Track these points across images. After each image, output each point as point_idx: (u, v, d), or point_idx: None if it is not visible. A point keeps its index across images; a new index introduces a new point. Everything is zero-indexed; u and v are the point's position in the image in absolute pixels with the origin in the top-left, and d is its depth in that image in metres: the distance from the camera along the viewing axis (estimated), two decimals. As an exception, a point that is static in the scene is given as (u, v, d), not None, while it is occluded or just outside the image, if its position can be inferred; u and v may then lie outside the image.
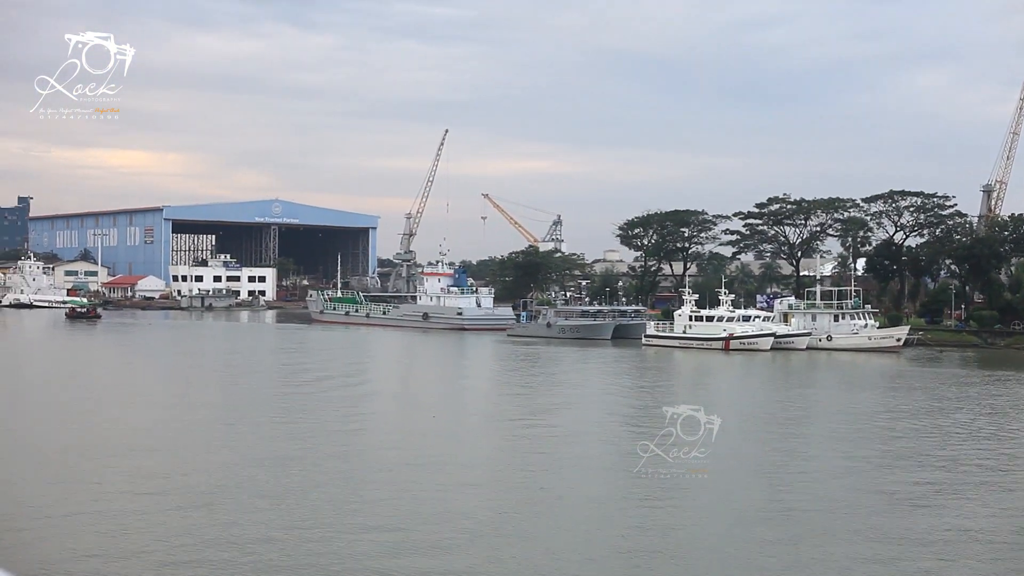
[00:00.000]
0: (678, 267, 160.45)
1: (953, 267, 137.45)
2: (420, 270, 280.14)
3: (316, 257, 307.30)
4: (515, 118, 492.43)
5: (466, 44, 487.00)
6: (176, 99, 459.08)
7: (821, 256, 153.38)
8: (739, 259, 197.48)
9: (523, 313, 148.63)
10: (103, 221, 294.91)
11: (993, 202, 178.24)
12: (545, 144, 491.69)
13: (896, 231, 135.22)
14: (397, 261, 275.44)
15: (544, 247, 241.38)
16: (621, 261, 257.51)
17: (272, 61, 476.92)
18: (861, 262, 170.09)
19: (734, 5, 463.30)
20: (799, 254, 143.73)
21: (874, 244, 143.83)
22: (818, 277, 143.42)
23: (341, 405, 59.71)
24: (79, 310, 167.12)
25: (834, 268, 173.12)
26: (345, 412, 56.35)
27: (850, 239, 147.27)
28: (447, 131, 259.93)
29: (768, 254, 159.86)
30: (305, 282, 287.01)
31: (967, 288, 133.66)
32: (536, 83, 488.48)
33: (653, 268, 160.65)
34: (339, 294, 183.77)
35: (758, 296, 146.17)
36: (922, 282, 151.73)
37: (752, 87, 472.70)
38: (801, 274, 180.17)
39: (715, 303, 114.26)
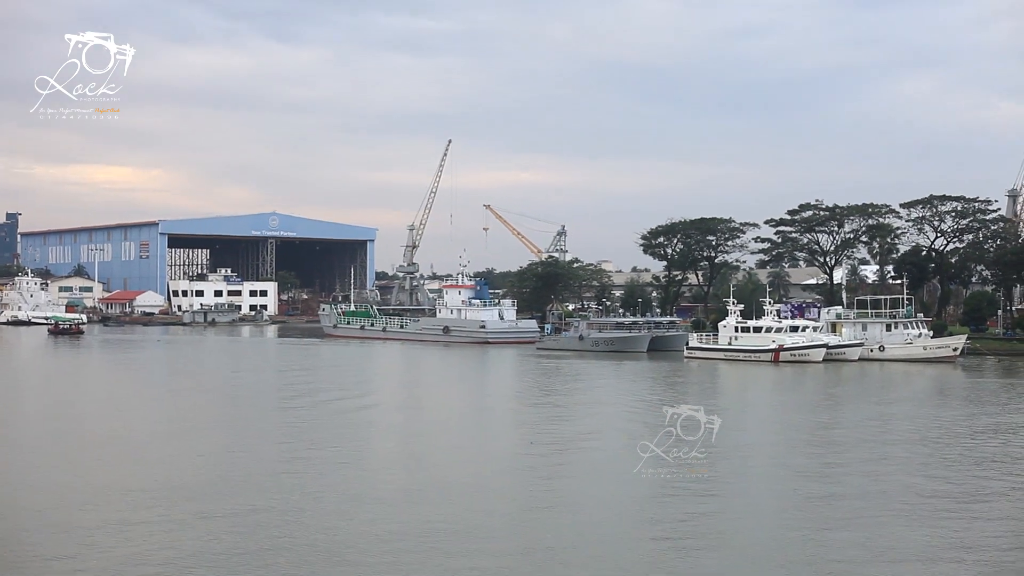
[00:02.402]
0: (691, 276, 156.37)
1: (986, 273, 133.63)
2: (424, 282, 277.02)
3: (313, 271, 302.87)
4: (506, 130, 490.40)
5: (455, 57, 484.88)
6: (160, 115, 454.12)
7: (851, 261, 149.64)
8: (747, 268, 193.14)
9: (548, 326, 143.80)
10: (97, 236, 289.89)
11: (1019, 207, 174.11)
12: (537, 155, 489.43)
13: (937, 237, 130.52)
14: (400, 274, 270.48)
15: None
16: (620, 272, 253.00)
17: (258, 76, 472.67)
18: (873, 268, 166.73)
19: (720, 15, 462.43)
20: (832, 262, 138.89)
21: (902, 250, 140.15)
22: (844, 284, 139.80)
23: (416, 434, 55.47)
24: (62, 326, 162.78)
25: (846, 275, 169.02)
26: (424, 442, 52.03)
27: (876, 245, 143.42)
28: (450, 141, 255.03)
29: (807, 262, 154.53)
30: (304, 296, 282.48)
31: (1006, 294, 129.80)
32: (526, 95, 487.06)
33: (678, 278, 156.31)
34: (351, 307, 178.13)
35: (780, 305, 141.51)
36: (951, 289, 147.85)
37: (742, 96, 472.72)
38: (809, 282, 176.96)
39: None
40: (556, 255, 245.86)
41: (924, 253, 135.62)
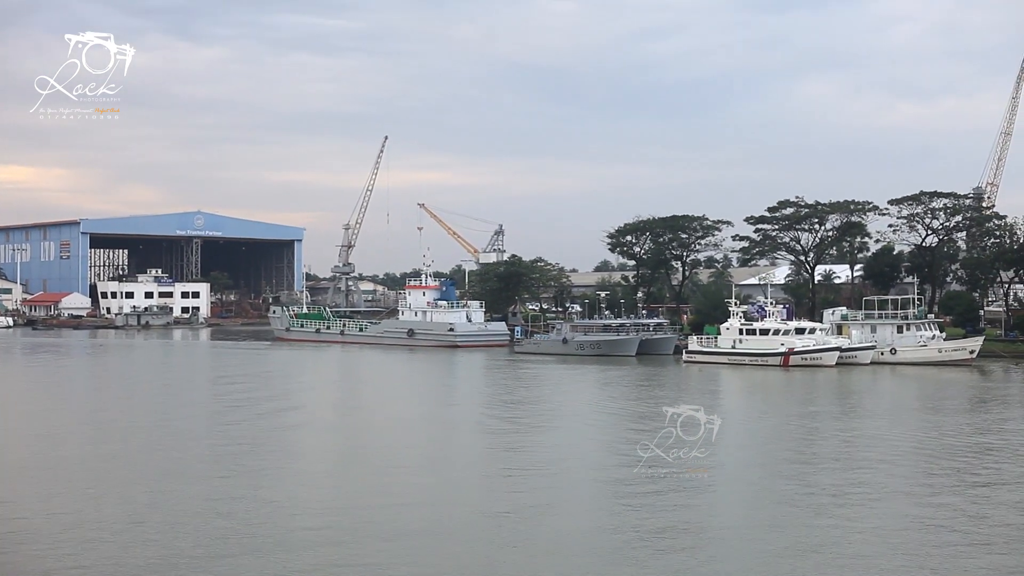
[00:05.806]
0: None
1: (960, 273, 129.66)
2: (357, 283, 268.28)
3: (238, 271, 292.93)
4: (419, 130, 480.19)
5: (360, 56, 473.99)
6: (57, 113, 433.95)
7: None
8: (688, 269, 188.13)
9: (518, 328, 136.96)
10: (14, 236, 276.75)
11: (985, 204, 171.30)
12: (452, 156, 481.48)
13: (928, 234, 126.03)
14: (335, 274, 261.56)
15: (486, 258, 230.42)
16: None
17: (161, 74, 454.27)
18: (820, 269, 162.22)
19: (625, 17, 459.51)
20: (813, 260, 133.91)
21: (872, 250, 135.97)
22: (821, 283, 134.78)
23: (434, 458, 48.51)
24: None
25: (788, 276, 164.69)
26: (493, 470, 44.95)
27: (846, 244, 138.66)
28: (386, 138, 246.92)
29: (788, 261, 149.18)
30: (233, 297, 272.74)
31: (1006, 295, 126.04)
32: (432, 95, 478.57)
33: (648, 277, 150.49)
34: (303, 309, 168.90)
35: (748, 307, 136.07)
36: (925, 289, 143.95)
37: (647, 97, 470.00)
38: (748, 282, 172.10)
39: None
40: (492, 255, 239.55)
41: (896, 252, 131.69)
